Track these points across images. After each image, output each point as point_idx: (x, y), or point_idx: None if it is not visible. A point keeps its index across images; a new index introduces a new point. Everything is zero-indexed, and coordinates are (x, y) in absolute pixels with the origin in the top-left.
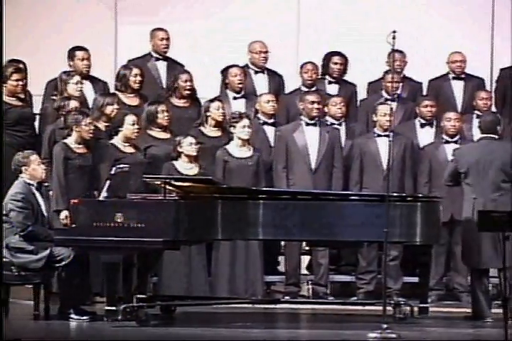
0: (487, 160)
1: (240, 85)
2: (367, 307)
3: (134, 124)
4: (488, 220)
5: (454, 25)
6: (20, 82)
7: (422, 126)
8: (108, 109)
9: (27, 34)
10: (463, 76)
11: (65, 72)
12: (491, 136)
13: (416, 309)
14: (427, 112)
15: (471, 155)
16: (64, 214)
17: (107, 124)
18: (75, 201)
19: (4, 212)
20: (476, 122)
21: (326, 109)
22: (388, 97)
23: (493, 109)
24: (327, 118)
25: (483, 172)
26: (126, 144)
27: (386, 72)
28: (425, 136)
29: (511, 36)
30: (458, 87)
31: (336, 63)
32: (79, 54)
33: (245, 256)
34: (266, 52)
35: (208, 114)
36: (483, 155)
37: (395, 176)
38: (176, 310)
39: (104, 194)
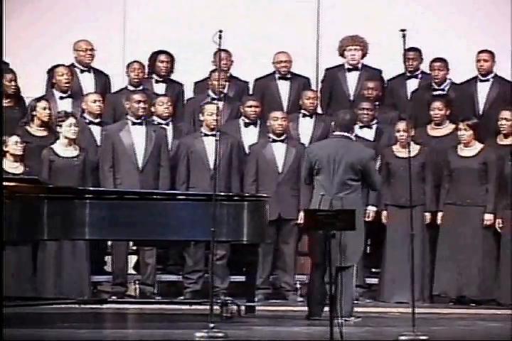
0: (337, 157)
1: (67, 85)
2: (194, 307)
3: None
4: (312, 219)
5: (280, 24)
6: None
7: (246, 125)
8: None
9: None
10: (289, 76)
11: None
12: (345, 134)
13: (243, 308)
14: (251, 112)
15: (323, 152)
16: None
17: None
18: None
19: None
20: (302, 121)
21: (152, 109)
22: (215, 96)
23: (319, 108)
24: (154, 117)
25: (334, 170)
26: None
27: (212, 72)
28: (249, 135)
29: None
30: (284, 87)
31: (162, 62)
32: None
33: (72, 256)
34: (92, 49)
35: (34, 113)
36: (333, 152)
37: (222, 175)
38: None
39: None
